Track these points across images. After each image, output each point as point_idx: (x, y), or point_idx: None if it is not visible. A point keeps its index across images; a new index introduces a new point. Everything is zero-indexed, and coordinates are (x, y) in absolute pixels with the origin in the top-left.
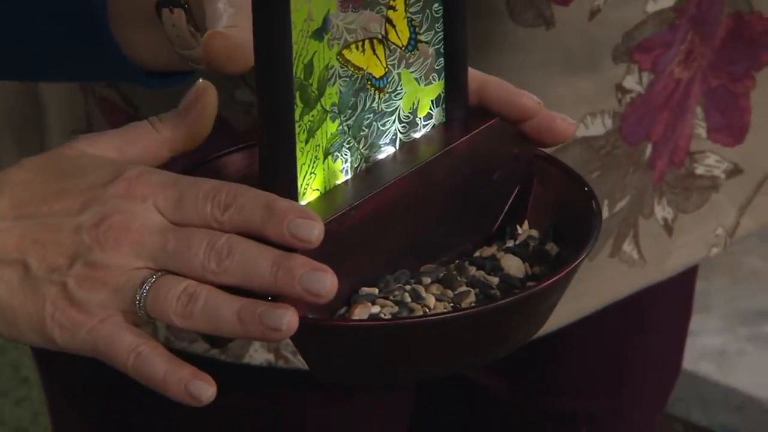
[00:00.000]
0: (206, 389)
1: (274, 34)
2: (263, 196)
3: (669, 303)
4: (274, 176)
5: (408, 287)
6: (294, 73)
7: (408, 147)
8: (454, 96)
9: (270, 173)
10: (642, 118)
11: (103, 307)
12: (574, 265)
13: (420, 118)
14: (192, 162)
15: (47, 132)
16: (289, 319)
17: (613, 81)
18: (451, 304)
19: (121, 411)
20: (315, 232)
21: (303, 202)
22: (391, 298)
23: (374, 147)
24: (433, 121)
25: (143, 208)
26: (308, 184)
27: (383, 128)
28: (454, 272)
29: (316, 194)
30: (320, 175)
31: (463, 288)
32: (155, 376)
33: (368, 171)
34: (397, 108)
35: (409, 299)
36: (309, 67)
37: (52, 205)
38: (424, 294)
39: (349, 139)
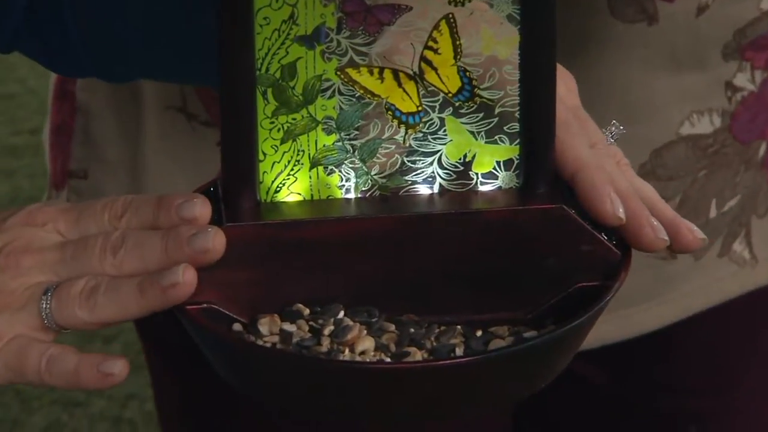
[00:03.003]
0: (115, 364)
1: (233, 20)
2: (156, 195)
3: None
4: (226, 156)
5: (346, 324)
6: (263, 68)
7: (449, 195)
8: (530, 167)
9: (223, 153)
10: (755, 117)
11: (9, 328)
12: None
13: (476, 174)
14: None
15: (144, 107)
16: (183, 270)
17: (723, 78)
18: (378, 357)
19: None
20: (196, 208)
21: (280, 200)
22: (313, 323)
23: (396, 179)
24: (499, 183)
25: (43, 231)
26: (284, 184)
27: (413, 165)
28: (423, 331)
29: (297, 197)
30: (304, 181)
31: (411, 349)
32: (67, 370)
33: (382, 200)
34: (437, 152)
35: (327, 332)
36: (290, 69)
37: None
38: (349, 334)
39: (354, 159)
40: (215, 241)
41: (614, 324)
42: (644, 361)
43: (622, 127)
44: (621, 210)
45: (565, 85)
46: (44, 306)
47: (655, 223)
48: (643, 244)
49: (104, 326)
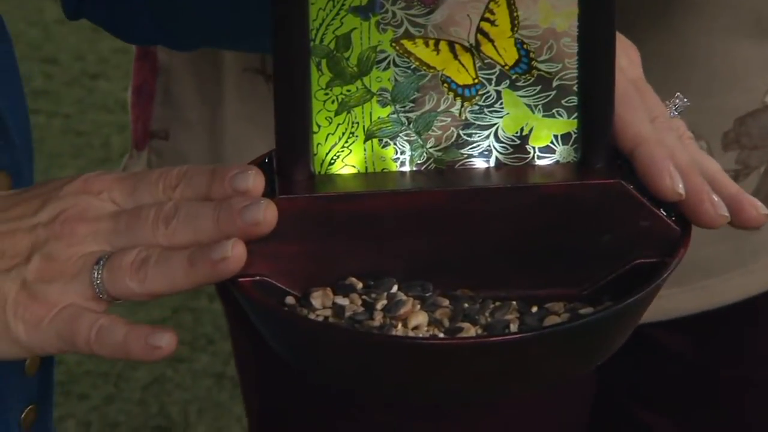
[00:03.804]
0: (162, 337)
1: None
2: (211, 166)
3: None
4: (279, 128)
5: (399, 298)
6: (318, 39)
7: (505, 169)
8: (589, 141)
9: (277, 125)
10: None
11: (62, 296)
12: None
13: (534, 147)
14: None
15: (224, 69)
16: (233, 245)
17: None
18: (431, 332)
19: None
20: (250, 180)
21: (335, 172)
22: (366, 297)
23: (452, 153)
24: (556, 157)
25: (98, 200)
26: (338, 156)
27: (469, 138)
28: (477, 306)
29: (352, 170)
30: (359, 153)
31: (465, 324)
32: (116, 341)
33: (437, 173)
34: (494, 125)
35: (380, 306)
36: (344, 40)
37: (10, 212)
38: (402, 309)
39: (409, 132)
40: (267, 214)
41: (696, 294)
42: (729, 331)
43: (686, 99)
44: (681, 185)
45: (627, 57)
46: (96, 276)
47: (715, 199)
48: (702, 220)
49: (155, 297)
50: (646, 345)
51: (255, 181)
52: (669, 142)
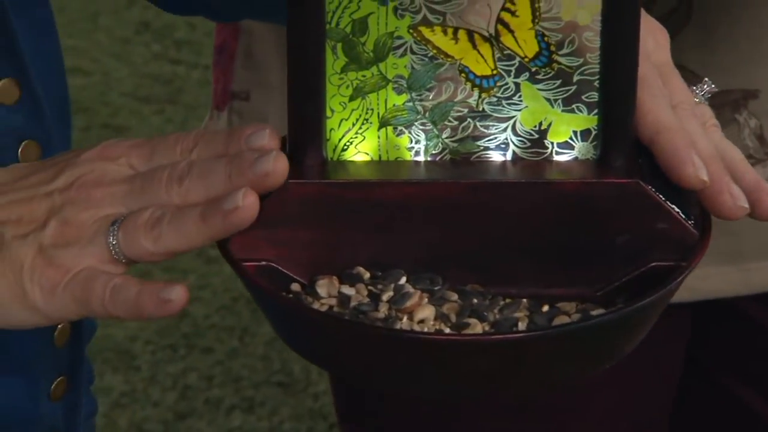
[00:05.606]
0: (173, 290)
1: None
2: (227, 129)
3: None
4: (292, 111)
5: (406, 290)
6: (334, 22)
7: (522, 164)
8: (609, 138)
9: (290, 108)
10: None
11: (79, 260)
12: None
13: (552, 143)
14: None
15: None
16: (244, 194)
17: None
18: (437, 327)
19: None
20: (265, 138)
21: (347, 159)
22: (373, 288)
23: (468, 144)
24: (575, 153)
25: (116, 165)
26: (351, 142)
27: (485, 130)
28: (486, 303)
29: (365, 157)
30: (372, 140)
31: (472, 320)
32: (129, 298)
33: (452, 164)
34: (512, 118)
35: (386, 298)
36: (361, 25)
37: (28, 180)
38: (408, 302)
39: (425, 121)
40: (276, 165)
41: None
42: None
43: (714, 85)
44: (704, 172)
45: (654, 40)
46: (111, 238)
47: (735, 189)
48: (721, 211)
49: (170, 256)
50: (736, 318)
51: (270, 139)
52: (691, 129)
